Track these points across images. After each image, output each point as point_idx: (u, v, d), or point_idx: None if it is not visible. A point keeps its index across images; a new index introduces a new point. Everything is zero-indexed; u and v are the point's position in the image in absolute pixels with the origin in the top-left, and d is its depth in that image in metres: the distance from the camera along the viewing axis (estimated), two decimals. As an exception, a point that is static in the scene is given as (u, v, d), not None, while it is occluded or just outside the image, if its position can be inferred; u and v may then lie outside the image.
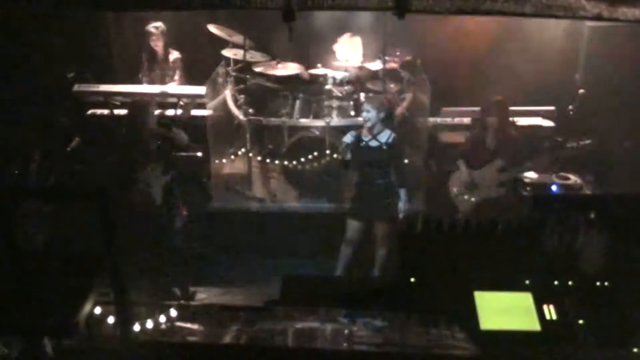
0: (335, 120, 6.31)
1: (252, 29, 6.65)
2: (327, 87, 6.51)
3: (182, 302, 5.21)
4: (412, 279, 2.74)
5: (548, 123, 6.47)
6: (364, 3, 2.81)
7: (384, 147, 5.16)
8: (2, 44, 5.65)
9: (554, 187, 5.60)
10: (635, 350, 2.52)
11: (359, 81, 6.74)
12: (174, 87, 6.68)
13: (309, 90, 6.69)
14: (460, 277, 2.72)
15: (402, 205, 5.19)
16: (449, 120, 6.59)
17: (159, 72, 6.82)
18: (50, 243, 4.80)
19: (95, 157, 5.98)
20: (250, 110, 6.44)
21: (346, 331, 2.94)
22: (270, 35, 6.47)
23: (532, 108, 6.53)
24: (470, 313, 2.60)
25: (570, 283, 2.73)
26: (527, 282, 2.72)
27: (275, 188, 6.55)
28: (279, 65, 6.65)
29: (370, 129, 5.18)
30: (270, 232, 6.12)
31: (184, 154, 5.77)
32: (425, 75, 6.35)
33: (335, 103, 6.43)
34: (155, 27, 6.65)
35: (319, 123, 6.33)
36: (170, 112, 6.36)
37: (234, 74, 6.79)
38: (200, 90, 6.35)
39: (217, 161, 6.50)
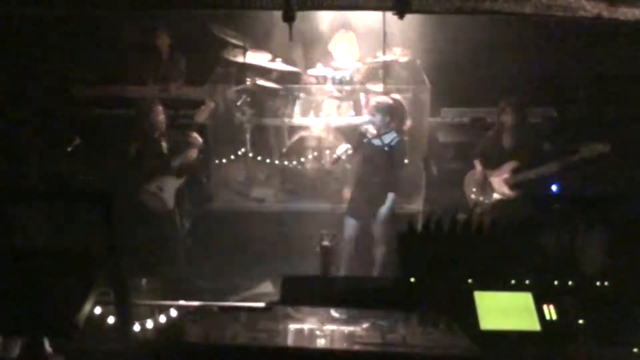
0: (335, 120, 6.31)
1: (252, 29, 6.64)
2: (327, 87, 6.51)
3: (182, 302, 5.21)
4: (412, 279, 2.74)
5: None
6: (364, 3, 2.82)
7: (386, 148, 5.17)
8: (2, 43, 5.65)
9: (554, 187, 5.59)
10: (635, 350, 2.52)
11: (359, 81, 6.74)
12: (175, 87, 6.68)
13: (309, 90, 6.70)
14: (460, 277, 2.72)
15: (383, 210, 5.19)
16: (449, 120, 6.59)
17: (161, 72, 6.82)
18: (50, 243, 4.80)
19: (95, 157, 5.98)
20: (251, 111, 6.44)
21: (346, 331, 2.93)
22: (270, 35, 6.46)
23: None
24: (470, 313, 2.60)
25: (570, 283, 2.73)
26: (527, 282, 2.72)
27: (275, 188, 6.55)
28: (279, 65, 6.64)
29: (377, 129, 5.20)
30: (270, 232, 6.11)
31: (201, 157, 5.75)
32: (425, 75, 6.35)
33: (335, 103, 6.43)
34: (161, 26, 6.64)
35: (319, 123, 6.33)
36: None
37: (234, 74, 6.78)
38: (201, 90, 6.35)
39: (217, 161, 6.50)
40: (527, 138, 5.52)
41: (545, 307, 2.63)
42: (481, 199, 5.54)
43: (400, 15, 2.75)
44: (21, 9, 2.91)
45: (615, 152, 5.32)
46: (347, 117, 6.39)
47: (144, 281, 5.32)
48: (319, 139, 6.26)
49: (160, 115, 5.41)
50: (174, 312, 3.15)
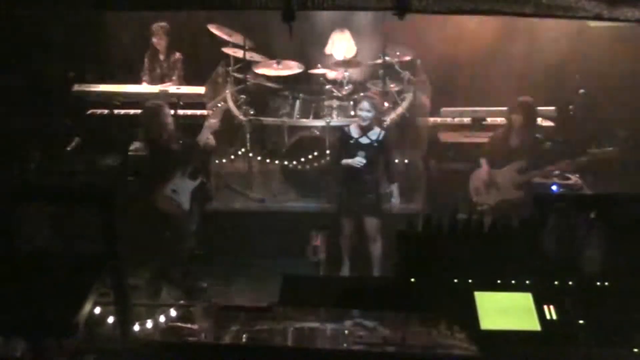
0: (335, 120, 6.31)
1: (252, 28, 6.64)
2: (327, 87, 6.51)
3: (182, 302, 5.21)
4: (412, 279, 2.74)
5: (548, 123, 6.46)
6: (364, 3, 2.81)
7: (375, 144, 5.27)
8: (2, 43, 5.65)
9: (554, 187, 5.59)
10: (635, 350, 2.52)
11: (359, 81, 6.74)
12: (174, 87, 6.67)
13: (309, 90, 6.68)
14: (460, 277, 2.72)
15: (395, 200, 5.38)
16: (449, 120, 6.58)
17: (160, 72, 6.81)
18: (50, 243, 4.80)
19: (96, 157, 5.98)
20: (251, 111, 6.43)
21: (346, 331, 2.93)
22: (270, 35, 6.46)
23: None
24: (470, 313, 2.60)
25: (570, 283, 2.73)
26: (527, 282, 2.72)
27: (275, 188, 6.54)
28: (279, 65, 6.64)
29: (362, 127, 5.28)
30: (270, 232, 6.11)
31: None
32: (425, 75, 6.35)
33: (335, 103, 6.43)
34: (161, 26, 6.63)
35: (319, 123, 6.33)
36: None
37: (234, 74, 6.79)
38: (200, 90, 6.35)
39: (217, 161, 6.50)
40: (536, 138, 5.52)
41: (545, 307, 2.63)
42: (485, 198, 5.54)
43: (400, 15, 2.74)
44: (21, 9, 2.90)
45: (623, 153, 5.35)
46: (347, 118, 6.39)
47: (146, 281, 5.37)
48: (319, 139, 6.26)
49: (169, 117, 5.36)
50: (174, 312, 3.14)
